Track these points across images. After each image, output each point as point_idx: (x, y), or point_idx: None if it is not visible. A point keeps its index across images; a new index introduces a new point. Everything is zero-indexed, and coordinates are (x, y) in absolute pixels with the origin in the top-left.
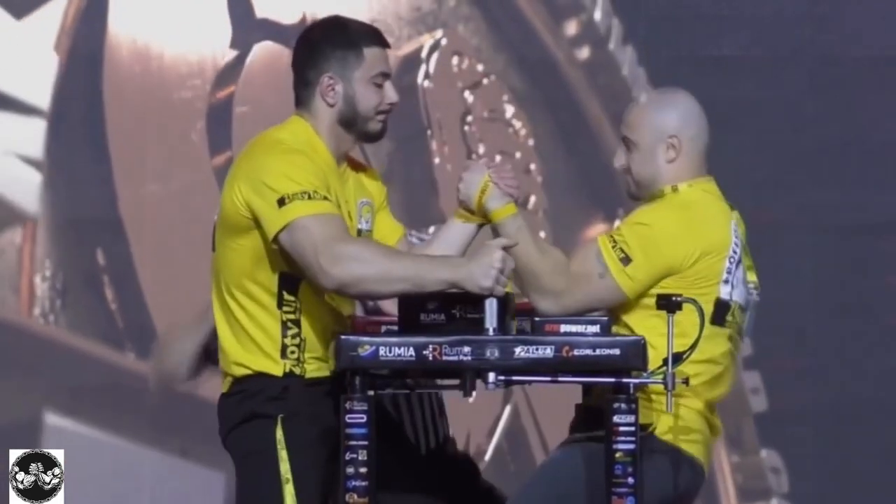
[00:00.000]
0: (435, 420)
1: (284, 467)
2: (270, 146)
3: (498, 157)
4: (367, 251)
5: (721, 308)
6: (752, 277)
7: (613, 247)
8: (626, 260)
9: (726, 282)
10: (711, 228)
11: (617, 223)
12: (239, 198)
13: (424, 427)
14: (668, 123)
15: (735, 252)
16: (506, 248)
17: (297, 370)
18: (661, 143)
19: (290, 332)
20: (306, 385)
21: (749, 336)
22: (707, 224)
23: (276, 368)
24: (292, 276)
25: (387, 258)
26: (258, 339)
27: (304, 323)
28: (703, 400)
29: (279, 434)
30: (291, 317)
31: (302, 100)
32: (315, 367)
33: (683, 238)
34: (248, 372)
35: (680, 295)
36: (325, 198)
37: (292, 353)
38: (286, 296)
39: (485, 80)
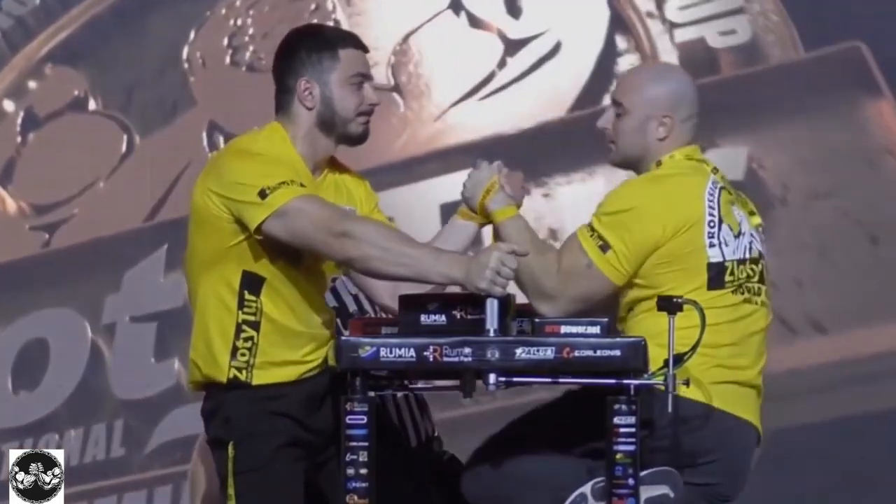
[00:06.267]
0: (415, 417)
1: (230, 492)
2: (241, 152)
3: None
4: (376, 230)
5: (716, 272)
6: (755, 221)
7: (591, 235)
8: (605, 247)
9: (712, 245)
10: (680, 204)
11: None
12: (211, 197)
13: (403, 425)
14: (662, 100)
15: (712, 216)
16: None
17: (241, 376)
18: (653, 119)
19: (243, 335)
20: (256, 399)
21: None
22: (675, 200)
23: (221, 374)
24: (256, 275)
25: (394, 241)
26: (211, 337)
27: (264, 326)
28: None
29: (230, 464)
30: (250, 318)
31: (282, 106)
32: (265, 374)
33: (652, 217)
34: (199, 378)
35: (680, 297)
36: (302, 185)
37: (242, 355)
38: (247, 296)
39: None
